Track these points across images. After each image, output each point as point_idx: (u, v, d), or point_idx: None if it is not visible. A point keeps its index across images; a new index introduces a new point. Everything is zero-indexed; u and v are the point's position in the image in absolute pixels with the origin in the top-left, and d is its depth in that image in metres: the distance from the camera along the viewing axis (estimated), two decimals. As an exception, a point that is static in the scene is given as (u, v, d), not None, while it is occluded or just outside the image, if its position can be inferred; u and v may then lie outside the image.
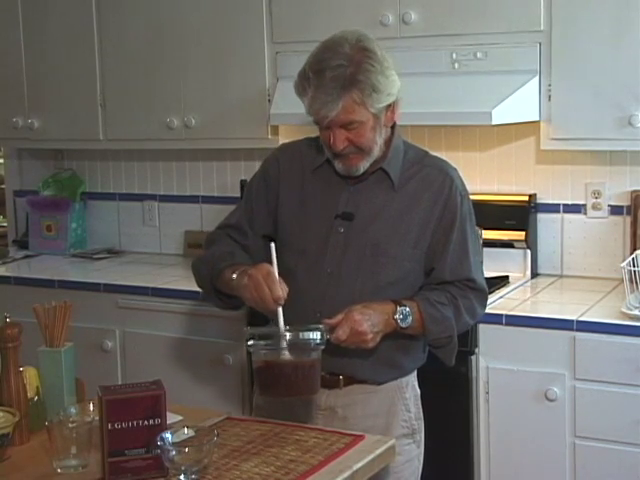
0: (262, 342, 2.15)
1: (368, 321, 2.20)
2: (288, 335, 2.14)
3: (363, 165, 2.32)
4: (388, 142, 2.36)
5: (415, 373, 2.49)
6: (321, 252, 2.35)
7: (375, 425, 2.33)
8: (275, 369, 2.13)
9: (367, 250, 2.33)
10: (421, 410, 2.48)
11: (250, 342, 2.15)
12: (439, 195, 2.35)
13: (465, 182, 2.44)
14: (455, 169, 2.44)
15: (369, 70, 2.22)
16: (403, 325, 2.27)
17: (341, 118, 2.23)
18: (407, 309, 2.28)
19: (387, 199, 2.36)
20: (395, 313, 2.26)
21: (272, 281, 2.17)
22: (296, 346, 2.13)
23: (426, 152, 2.46)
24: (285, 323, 2.16)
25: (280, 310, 2.17)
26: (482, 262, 2.52)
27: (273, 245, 2.22)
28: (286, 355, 2.12)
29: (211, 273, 2.37)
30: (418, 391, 2.49)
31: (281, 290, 2.16)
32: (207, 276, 2.40)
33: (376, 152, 2.32)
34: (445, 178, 2.37)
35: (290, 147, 2.54)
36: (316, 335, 2.14)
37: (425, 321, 2.31)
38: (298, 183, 2.42)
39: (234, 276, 2.28)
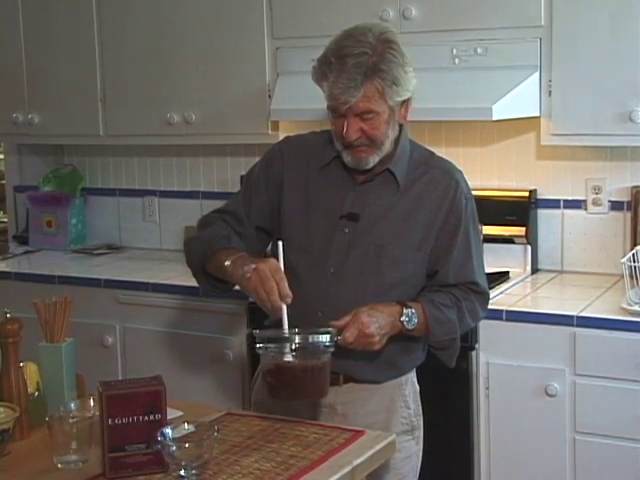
0: (271, 345, 2.14)
1: (376, 323, 2.20)
2: (297, 338, 2.13)
3: (373, 159, 2.31)
4: (396, 142, 2.35)
5: (414, 370, 2.49)
6: (324, 252, 2.34)
7: (375, 422, 2.33)
8: (285, 372, 2.12)
9: (371, 251, 2.32)
10: (420, 406, 2.48)
11: (259, 345, 2.15)
12: (444, 198, 2.35)
13: (465, 178, 2.44)
14: (460, 171, 2.43)
15: (392, 61, 2.22)
16: (409, 327, 2.27)
17: (360, 106, 2.22)
18: (413, 311, 2.27)
19: (392, 200, 2.35)
20: (401, 315, 2.26)
21: (281, 278, 2.15)
22: (305, 349, 2.13)
23: (432, 153, 2.45)
24: (288, 323, 2.16)
25: (285, 309, 2.16)
26: (483, 262, 2.52)
27: (281, 243, 2.21)
28: (296, 358, 2.12)
29: (203, 254, 2.35)
30: (417, 387, 2.49)
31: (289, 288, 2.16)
32: (199, 256, 2.37)
33: (387, 147, 2.31)
34: (450, 181, 2.37)
35: (295, 141, 2.51)
36: (326, 338, 2.14)
37: (430, 323, 2.30)
38: (302, 179, 2.41)
39: (227, 263, 2.25)
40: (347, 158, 2.32)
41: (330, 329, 2.16)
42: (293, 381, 2.12)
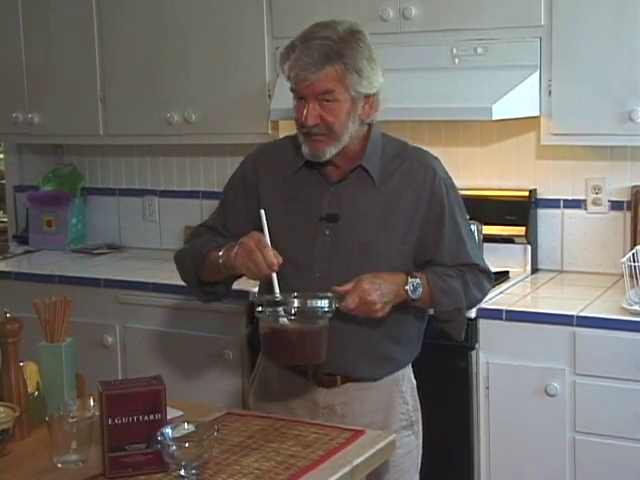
0: (269, 309, 2.17)
1: (378, 290, 2.20)
2: (296, 302, 2.15)
3: (329, 150, 2.29)
4: (366, 138, 2.35)
5: (410, 365, 2.49)
6: (309, 257, 2.33)
7: (374, 420, 2.33)
8: (281, 335, 2.15)
9: (355, 250, 2.32)
10: (418, 401, 2.49)
11: (258, 309, 2.17)
12: (422, 188, 2.34)
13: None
14: (436, 158, 2.42)
15: (356, 50, 2.24)
16: (413, 296, 2.27)
17: (320, 85, 2.22)
18: (418, 281, 2.28)
19: (370, 197, 2.34)
20: (406, 284, 2.26)
21: (264, 246, 2.17)
22: (304, 313, 2.15)
23: (405, 143, 2.44)
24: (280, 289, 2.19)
25: (274, 276, 2.18)
26: (479, 248, 2.50)
27: (263, 212, 2.22)
28: (292, 322, 2.14)
29: (195, 261, 2.38)
30: (414, 382, 2.49)
31: (274, 256, 2.17)
32: (191, 266, 2.40)
33: (345, 140, 2.30)
34: (427, 170, 2.36)
35: (268, 148, 2.52)
36: (324, 303, 2.16)
37: (434, 293, 2.31)
38: (278, 186, 2.41)
39: (220, 253, 2.28)
40: (305, 149, 2.32)
41: (329, 294, 2.18)
42: (289, 344, 2.14)
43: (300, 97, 2.27)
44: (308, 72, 2.21)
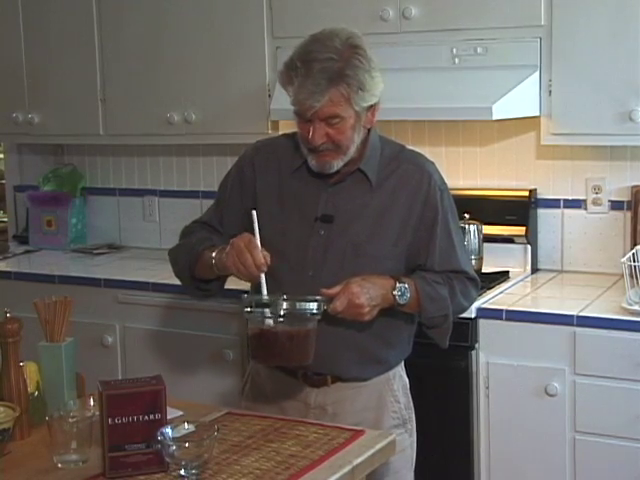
0: (258, 310, 2.18)
1: (366, 294, 2.21)
2: (285, 304, 2.16)
3: (337, 163, 2.30)
4: (365, 142, 2.35)
5: (402, 364, 2.49)
6: (302, 255, 2.34)
7: (365, 419, 2.34)
8: (269, 336, 2.15)
9: (348, 251, 2.32)
10: (411, 399, 2.49)
11: (247, 309, 2.18)
12: (418, 192, 2.35)
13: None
14: (432, 163, 2.43)
15: (358, 67, 2.22)
16: (401, 302, 2.28)
17: (325, 111, 2.21)
18: (406, 286, 2.28)
19: (366, 199, 2.35)
20: (394, 289, 2.26)
21: (254, 247, 2.18)
22: (292, 315, 2.16)
23: (402, 146, 2.45)
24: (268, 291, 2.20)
25: (263, 277, 2.19)
26: (466, 251, 2.50)
27: (254, 213, 2.23)
28: (281, 324, 2.15)
29: (189, 258, 2.39)
30: (406, 381, 2.49)
31: (263, 257, 2.18)
32: (185, 263, 2.41)
33: (352, 152, 2.31)
34: (423, 174, 2.37)
35: (265, 146, 2.51)
36: (313, 306, 2.17)
37: (421, 299, 2.31)
38: (275, 184, 2.41)
39: (214, 254, 2.30)
40: (312, 162, 2.32)
41: (318, 297, 2.19)
42: (277, 346, 2.15)
43: (306, 119, 2.25)
44: (313, 100, 2.19)
